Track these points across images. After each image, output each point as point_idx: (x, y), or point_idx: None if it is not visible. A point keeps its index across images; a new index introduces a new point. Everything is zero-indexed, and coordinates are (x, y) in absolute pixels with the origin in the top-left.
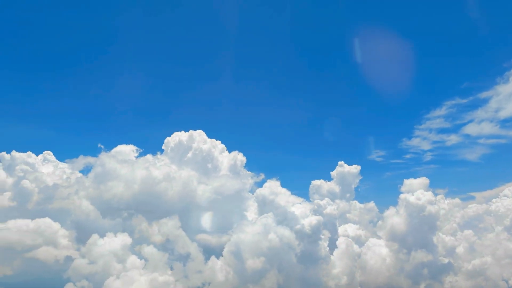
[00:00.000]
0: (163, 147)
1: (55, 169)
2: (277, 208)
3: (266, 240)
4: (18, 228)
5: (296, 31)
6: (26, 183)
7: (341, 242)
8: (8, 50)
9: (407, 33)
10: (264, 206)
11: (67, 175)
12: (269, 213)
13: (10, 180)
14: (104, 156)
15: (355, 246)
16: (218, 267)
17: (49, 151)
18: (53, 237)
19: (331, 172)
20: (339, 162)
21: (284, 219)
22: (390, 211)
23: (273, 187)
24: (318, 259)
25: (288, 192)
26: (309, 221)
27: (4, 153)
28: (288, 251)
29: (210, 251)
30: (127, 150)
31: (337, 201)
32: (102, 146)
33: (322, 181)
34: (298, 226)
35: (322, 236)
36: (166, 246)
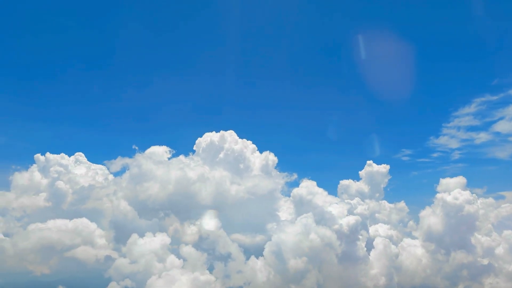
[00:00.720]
0: (194, 148)
1: (87, 170)
2: (314, 208)
3: (307, 240)
4: (58, 228)
5: (323, 30)
6: (60, 184)
7: (378, 242)
8: (44, 53)
9: (434, 30)
10: (302, 206)
11: (100, 176)
12: (308, 213)
13: (44, 181)
14: (139, 157)
15: (393, 247)
16: (258, 267)
17: (80, 153)
18: (90, 237)
19: (359, 172)
20: (368, 162)
21: (322, 219)
22: (426, 211)
23: (310, 187)
24: (357, 260)
25: (325, 192)
26: (346, 221)
27: (38, 155)
28: (329, 251)
29: (244, 251)
30: (160, 151)
31: (367, 200)
32: (137, 148)
33: (350, 180)
34: (336, 226)
35: (360, 237)
36: (199, 245)
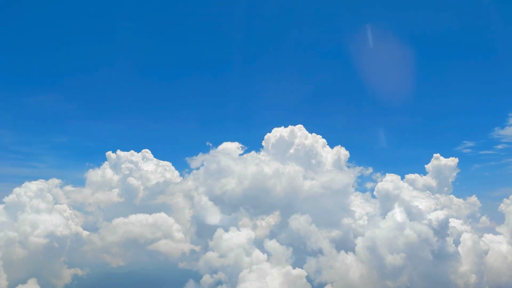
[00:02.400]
0: (263, 144)
1: (156, 166)
2: (400, 203)
3: (403, 236)
4: (139, 222)
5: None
6: (131, 180)
7: (466, 238)
8: (117, 52)
9: (496, 15)
10: (388, 201)
11: (168, 172)
12: (400, 208)
13: (116, 178)
14: (213, 154)
15: (482, 243)
16: (349, 262)
17: (147, 150)
18: (169, 231)
19: (425, 166)
20: (435, 155)
21: (409, 214)
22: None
23: (395, 181)
24: (447, 256)
25: (411, 187)
26: (435, 216)
27: (110, 152)
28: (425, 247)
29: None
30: (232, 147)
31: (437, 195)
32: (211, 144)
33: (416, 175)
34: (424, 221)
35: (449, 232)
36: (283, 239)
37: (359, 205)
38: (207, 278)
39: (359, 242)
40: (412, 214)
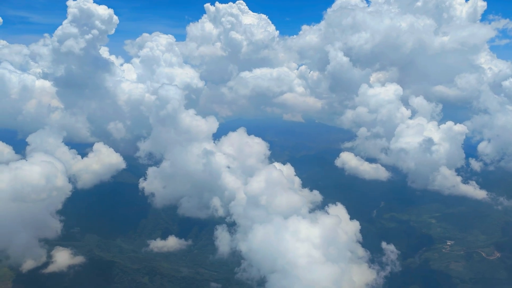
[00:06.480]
0: None
1: (258, 20)
2: None
3: None
4: (265, 76)
5: None
6: (234, 34)
7: None
8: None
9: None
10: None
11: (269, 26)
12: None
13: (216, 31)
14: (336, 7)
15: None
16: None
17: (242, 1)
18: (291, 85)
19: None
20: None
21: None
22: None
23: None
24: None
25: None
26: None
27: (208, 5)
28: None
29: (448, 104)
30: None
31: None
32: None
33: None
34: None
35: None
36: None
37: (488, 62)
38: (363, 131)
39: None
40: None
